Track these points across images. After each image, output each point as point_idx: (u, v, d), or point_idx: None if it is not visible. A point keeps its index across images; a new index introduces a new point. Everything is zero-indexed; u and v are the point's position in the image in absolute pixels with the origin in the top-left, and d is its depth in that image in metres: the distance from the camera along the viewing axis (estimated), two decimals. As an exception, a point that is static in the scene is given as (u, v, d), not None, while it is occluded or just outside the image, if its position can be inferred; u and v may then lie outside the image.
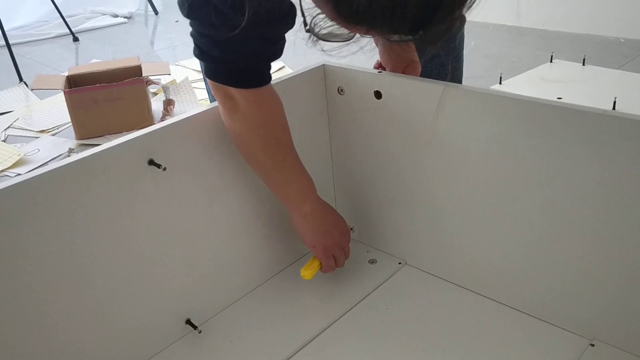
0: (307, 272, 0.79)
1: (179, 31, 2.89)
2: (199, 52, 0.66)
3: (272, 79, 0.72)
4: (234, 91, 0.67)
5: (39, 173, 0.60)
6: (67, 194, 0.61)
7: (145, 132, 0.66)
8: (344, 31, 0.49)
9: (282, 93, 0.79)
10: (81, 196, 0.62)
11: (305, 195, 0.76)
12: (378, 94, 0.79)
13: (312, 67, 0.83)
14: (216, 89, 0.68)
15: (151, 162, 0.67)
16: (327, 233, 0.78)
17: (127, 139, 0.65)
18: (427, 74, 0.92)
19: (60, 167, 0.61)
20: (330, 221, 0.79)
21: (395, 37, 0.47)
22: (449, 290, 0.80)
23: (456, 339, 0.72)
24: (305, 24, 0.51)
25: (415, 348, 0.71)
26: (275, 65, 2.19)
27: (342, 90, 0.83)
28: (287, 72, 2.12)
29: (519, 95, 0.67)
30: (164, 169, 0.66)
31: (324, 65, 0.84)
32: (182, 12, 0.64)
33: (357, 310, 0.78)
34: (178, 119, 0.69)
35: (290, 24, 0.65)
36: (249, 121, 0.70)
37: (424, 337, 0.72)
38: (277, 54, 0.67)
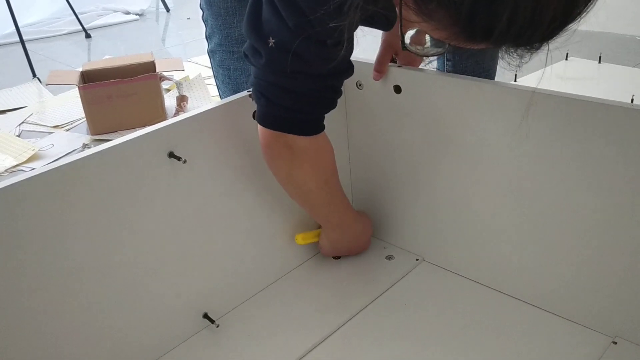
0: (300, 238, 0.83)
1: (190, 28, 2.89)
2: (266, 102, 0.66)
3: None
4: (295, 139, 0.68)
5: (60, 165, 0.59)
6: (87, 186, 0.61)
7: (166, 124, 0.66)
8: (442, 46, 0.52)
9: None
10: (102, 188, 0.62)
11: (338, 224, 0.82)
12: (398, 89, 0.78)
13: (331, 61, 0.83)
14: (275, 139, 0.68)
15: (171, 155, 0.66)
16: (341, 252, 0.86)
17: (148, 131, 0.65)
18: (462, 71, 0.92)
19: (81, 158, 0.61)
20: (352, 243, 0.86)
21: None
22: (468, 287, 0.80)
23: (476, 336, 0.71)
24: (402, 44, 0.55)
25: (434, 345, 0.70)
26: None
27: (360, 85, 0.83)
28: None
29: (542, 89, 0.66)
30: (184, 161, 0.66)
31: (342, 59, 0.84)
32: (256, 61, 0.64)
33: (375, 306, 0.78)
34: (198, 112, 0.69)
35: (348, 75, 0.70)
36: (305, 166, 0.72)
37: (444, 334, 0.72)
38: (335, 105, 0.70)
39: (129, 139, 0.64)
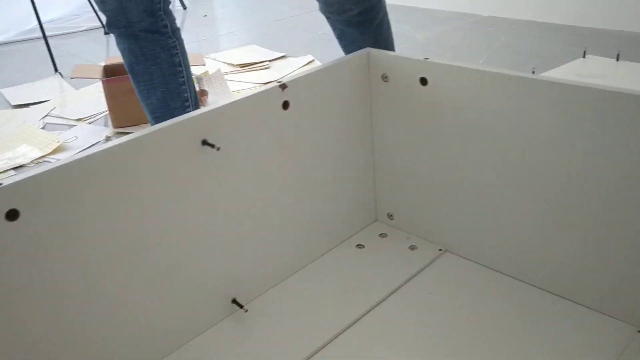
0: None
1: (207, 25, 2.92)
2: None
3: (305, 70, 0.77)
4: None
5: (96, 151, 0.61)
6: (122, 171, 0.63)
7: (199, 112, 0.68)
8: None
9: (325, 79, 0.80)
10: (136, 174, 0.64)
11: None
12: (424, 81, 0.79)
13: (356, 53, 0.84)
14: None
15: (205, 142, 0.68)
16: None
17: (182, 119, 0.67)
18: None
19: (117, 145, 0.62)
20: None
21: None
22: (492, 277, 0.81)
23: (500, 326, 0.72)
24: None
25: (458, 334, 0.72)
26: (305, 59, 2.20)
27: (386, 77, 0.84)
28: (317, 64, 2.13)
29: (566, 80, 0.67)
30: (218, 149, 0.68)
31: (368, 51, 0.85)
32: None
33: (400, 294, 0.79)
34: (231, 102, 0.70)
35: None
36: None
37: (467, 324, 0.73)
38: None
39: (164, 126, 0.65)
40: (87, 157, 0.60)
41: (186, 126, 0.67)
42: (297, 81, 0.76)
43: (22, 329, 0.58)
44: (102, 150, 0.61)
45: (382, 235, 0.92)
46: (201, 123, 0.68)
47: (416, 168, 0.86)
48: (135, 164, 0.64)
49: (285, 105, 0.76)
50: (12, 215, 0.55)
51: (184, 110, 1.18)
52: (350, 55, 0.84)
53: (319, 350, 0.71)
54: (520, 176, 0.74)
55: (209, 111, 0.68)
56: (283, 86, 0.75)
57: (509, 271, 0.80)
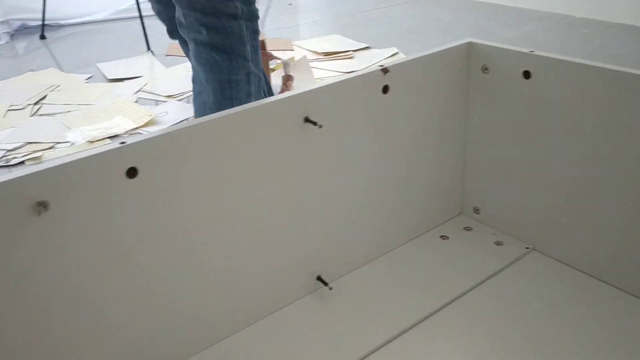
0: None
1: (290, 13, 2.96)
2: None
3: (406, 57, 0.78)
4: None
5: (205, 120, 0.64)
6: (228, 141, 0.65)
7: (303, 91, 0.70)
8: None
9: (426, 66, 0.80)
10: (241, 144, 0.66)
11: None
12: (527, 74, 0.78)
13: (458, 44, 0.84)
14: None
15: (307, 120, 0.70)
16: None
17: (287, 96, 0.69)
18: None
19: (226, 115, 0.65)
20: None
21: None
22: (581, 280, 0.78)
23: (587, 334, 0.70)
24: None
25: (540, 336, 0.70)
26: (389, 51, 2.19)
27: (486, 69, 0.83)
28: (401, 57, 2.12)
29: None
30: (320, 126, 0.69)
31: (470, 42, 0.84)
32: None
33: (482, 289, 0.78)
34: (334, 82, 0.72)
35: None
36: None
37: (550, 326, 0.71)
38: None
39: (270, 101, 0.68)
40: (197, 125, 0.63)
41: (290, 103, 0.69)
42: (398, 66, 0.77)
43: (135, 279, 0.62)
44: (210, 120, 0.64)
45: (467, 228, 0.91)
46: (304, 101, 0.70)
47: (508, 162, 0.84)
48: (240, 135, 0.66)
49: (385, 89, 0.76)
50: (132, 172, 0.58)
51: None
52: (452, 44, 0.83)
53: (398, 336, 0.71)
54: (622, 178, 0.71)
55: (312, 90, 0.70)
56: (385, 70, 0.75)
57: (600, 275, 0.78)
